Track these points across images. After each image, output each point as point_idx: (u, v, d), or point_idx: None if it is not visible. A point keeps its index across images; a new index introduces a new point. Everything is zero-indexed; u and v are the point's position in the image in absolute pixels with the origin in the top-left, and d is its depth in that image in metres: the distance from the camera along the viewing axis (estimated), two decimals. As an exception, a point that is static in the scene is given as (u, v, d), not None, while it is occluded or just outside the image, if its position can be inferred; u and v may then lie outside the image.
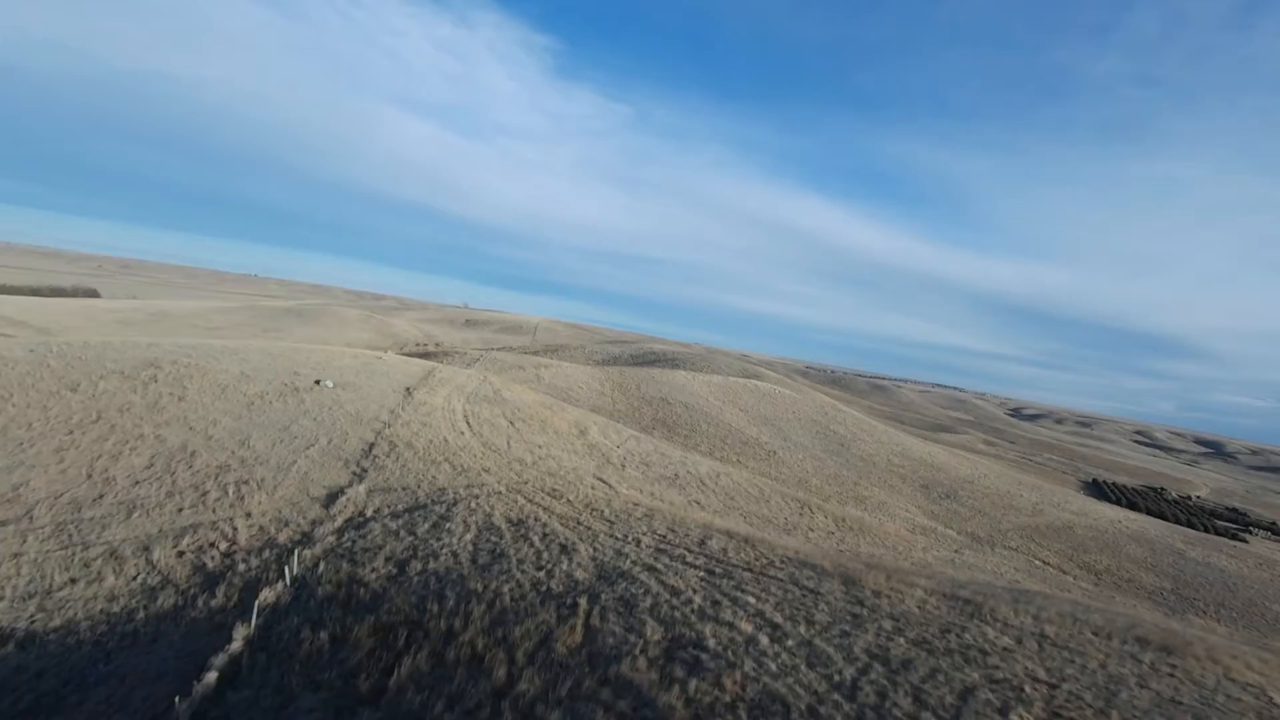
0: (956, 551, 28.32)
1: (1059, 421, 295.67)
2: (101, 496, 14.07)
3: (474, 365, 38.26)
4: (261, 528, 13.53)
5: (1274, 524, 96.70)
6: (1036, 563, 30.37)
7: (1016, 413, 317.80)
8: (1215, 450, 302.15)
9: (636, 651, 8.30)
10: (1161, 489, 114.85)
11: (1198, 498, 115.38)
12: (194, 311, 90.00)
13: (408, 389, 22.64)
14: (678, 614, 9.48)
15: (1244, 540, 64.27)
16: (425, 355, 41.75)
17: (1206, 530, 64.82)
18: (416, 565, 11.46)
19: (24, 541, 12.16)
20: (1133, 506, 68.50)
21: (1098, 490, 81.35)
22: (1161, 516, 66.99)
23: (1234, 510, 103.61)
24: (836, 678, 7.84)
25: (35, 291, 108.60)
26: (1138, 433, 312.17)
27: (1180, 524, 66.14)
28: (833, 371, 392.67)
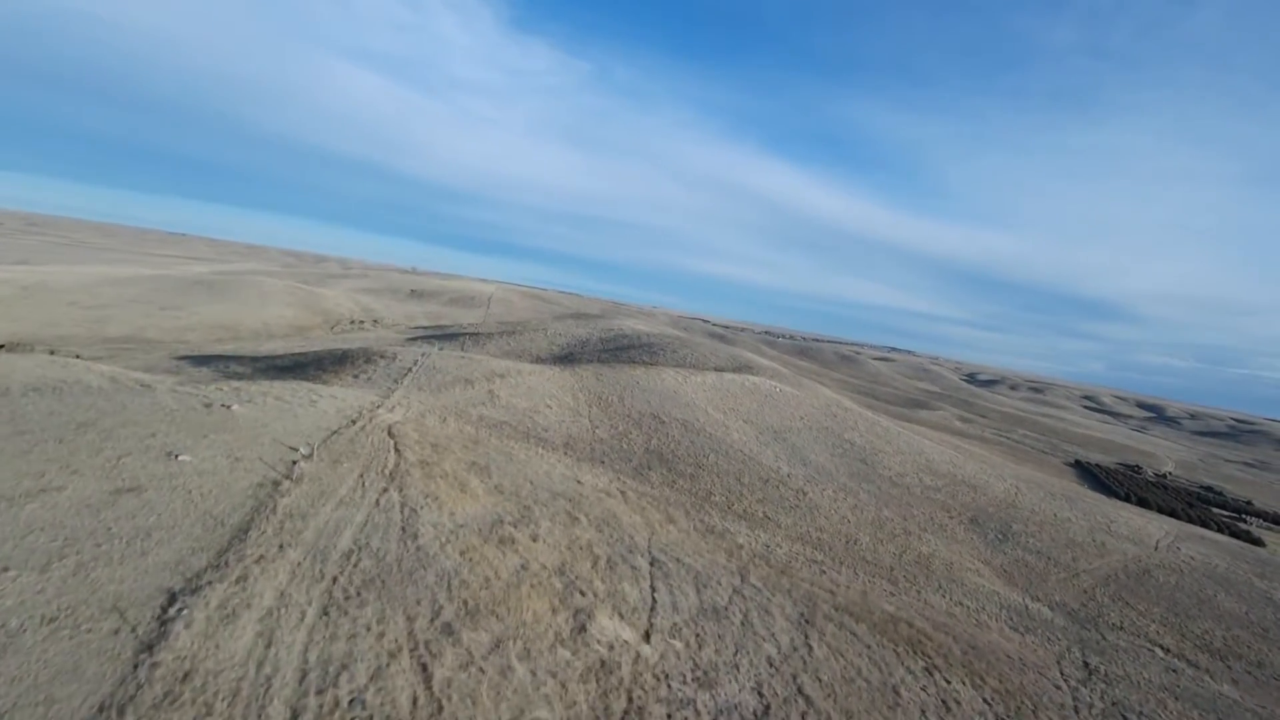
0: (1070, 654, 20.71)
1: (1013, 388, 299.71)
2: None
3: (405, 381, 28.13)
4: None
5: (1251, 504, 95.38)
6: (1159, 652, 23.10)
7: (972, 378, 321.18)
8: (1157, 414, 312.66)
9: None
10: (1137, 467, 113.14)
11: (1171, 475, 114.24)
12: (80, 283, 75.48)
13: (275, 483, 13.03)
14: None
15: (1261, 543, 60.35)
16: (340, 365, 31.43)
17: (1220, 530, 60.58)
18: None
19: None
20: (1143, 503, 63.74)
21: (1093, 479, 76.95)
22: (1172, 514, 62.48)
23: (1212, 491, 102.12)
24: None
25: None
26: (1086, 398, 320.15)
27: (1190, 521, 61.79)
28: (793, 338, 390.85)
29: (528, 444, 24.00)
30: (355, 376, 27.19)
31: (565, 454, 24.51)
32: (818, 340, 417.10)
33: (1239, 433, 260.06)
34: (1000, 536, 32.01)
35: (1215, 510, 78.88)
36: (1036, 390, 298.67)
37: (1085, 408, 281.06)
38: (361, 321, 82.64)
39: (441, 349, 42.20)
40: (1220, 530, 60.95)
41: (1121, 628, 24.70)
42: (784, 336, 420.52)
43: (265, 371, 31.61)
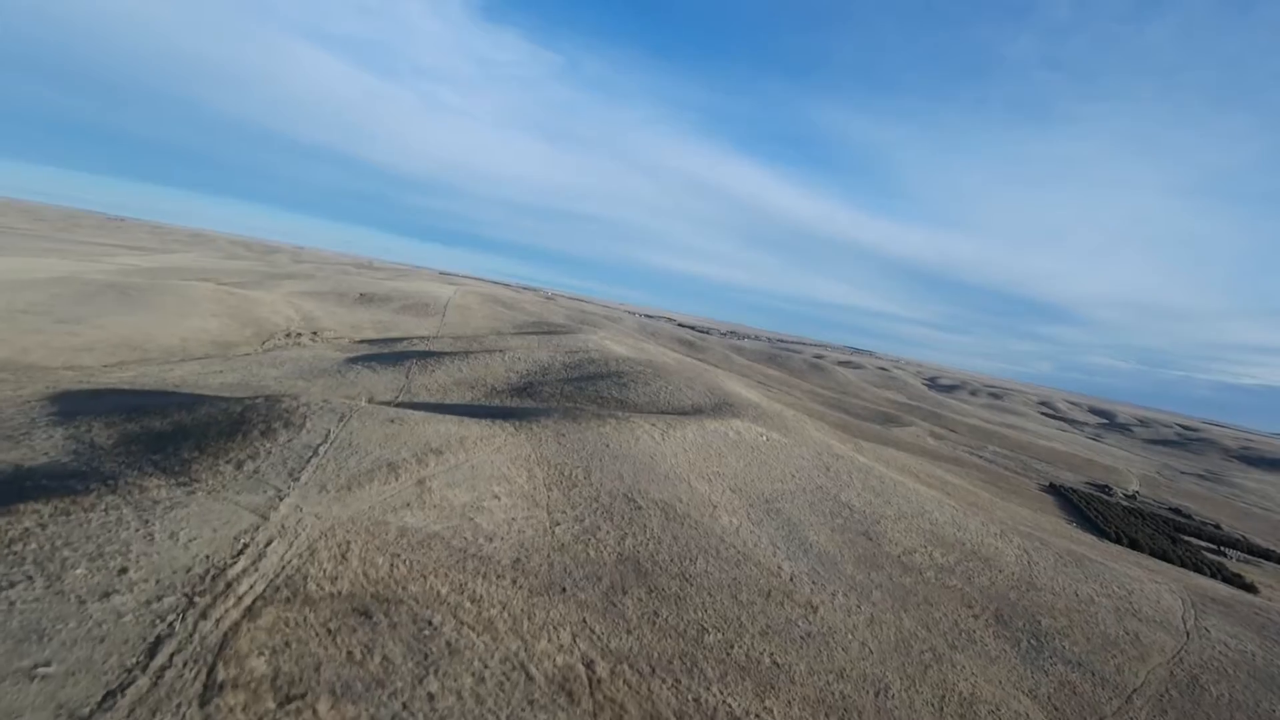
0: None
1: (973, 393, 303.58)
2: None
3: (306, 471, 21.49)
4: None
5: (1220, 528, 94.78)
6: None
7: (933, 383, 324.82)
8: (1109, 421, 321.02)
9: None
10: (1107, 488, 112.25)
11: (1139, 495, 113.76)
12: (-36, 284, 65.45)
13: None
14: None
15: (1255, 589, 57.91)
16: (228, 439, 24.71)
17: (1214, 575, 57.95)
18: None
19: None
20: (1134, 545, 60.79)
21: (1077, 513, 74.18)
22: (1165, 557, 59.66)
23: (1181, 514, 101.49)
24: None
25: None
26: (1041, 403, 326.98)
27: (1184, 565, 59.09)
28: (759, 338, 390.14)
29: (463, 573, 17.85)
30: (239, 467, 20.53)
31: (514, 584, 18.42)
32: (784, 342, 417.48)
33: (1187, 441, 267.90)
34: (1034, 643, 27.16)
35: (1194, 541, 77.10)
36: (995, 396, 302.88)
37: (1042, 414, 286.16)
38: (299, 334, 74.36)
39: (370, 403, 35.54)
40: (1214, 575, 58.31)
41: (1208, 796, 19.95)
42: (751, 337, 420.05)
43: (135, 441, 24.53)
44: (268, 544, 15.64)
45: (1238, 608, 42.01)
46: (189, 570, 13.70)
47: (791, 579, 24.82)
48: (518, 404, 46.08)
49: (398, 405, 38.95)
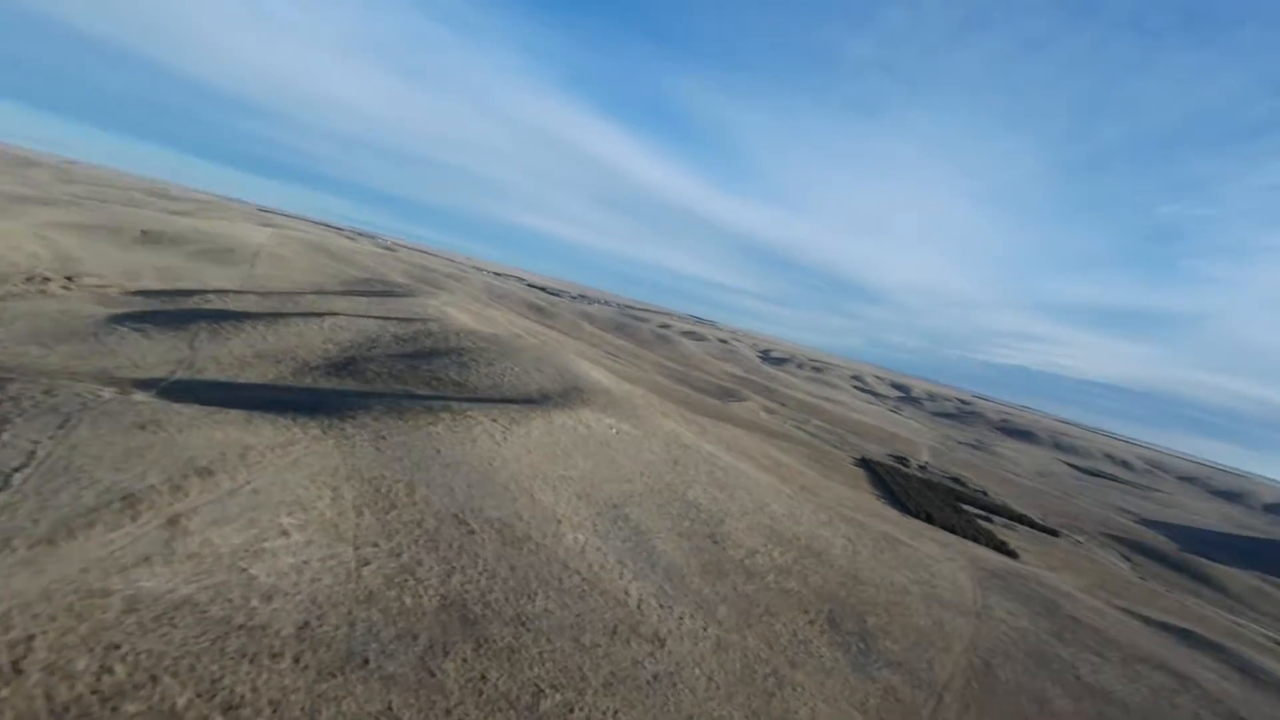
0: None
1: (799, 366, 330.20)
2: None
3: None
4: None
5: (986, 494, 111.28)
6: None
7: (766, 355, 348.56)
8: (905, 394, 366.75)
9: None
10: (905, 459, 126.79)
11: (929, 465, 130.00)
12: None
13: None
14: None
15: (1016, 555, 67.77)
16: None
17: (987, 544, 66.81)
18: None
19: None
20: (930, 519, 68.38)
21: (885, 488, 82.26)
22: (952, 529, 67.70)
23: (959, 483, 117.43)
24: None
25: None
26: (854, 377, 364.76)
27: (965, 535, 67.47)
28: (609, 303, 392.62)
29: (220, 661, 13.39)
30: None
31: (296, 665, 14.31)
32: (632, 309, 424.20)
33: (963, 413, 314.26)
34: (862, 647, 28.09)
35: (970, 510, 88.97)
36: (818, 370, 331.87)
37: (855, 388, 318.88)
38: (47, 280, 59.11)
39: (119, 394, 28.30)
40: (987, 544, 67.06)
41: (1007, 798, 21.42)
42: (601, 302, 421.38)
43: None
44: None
45: (1010, 580, 48.16)
46: None
47: (639, 605, 22.96)
48: (335, 385, 39.67)
49: (164, 390, 31.24)
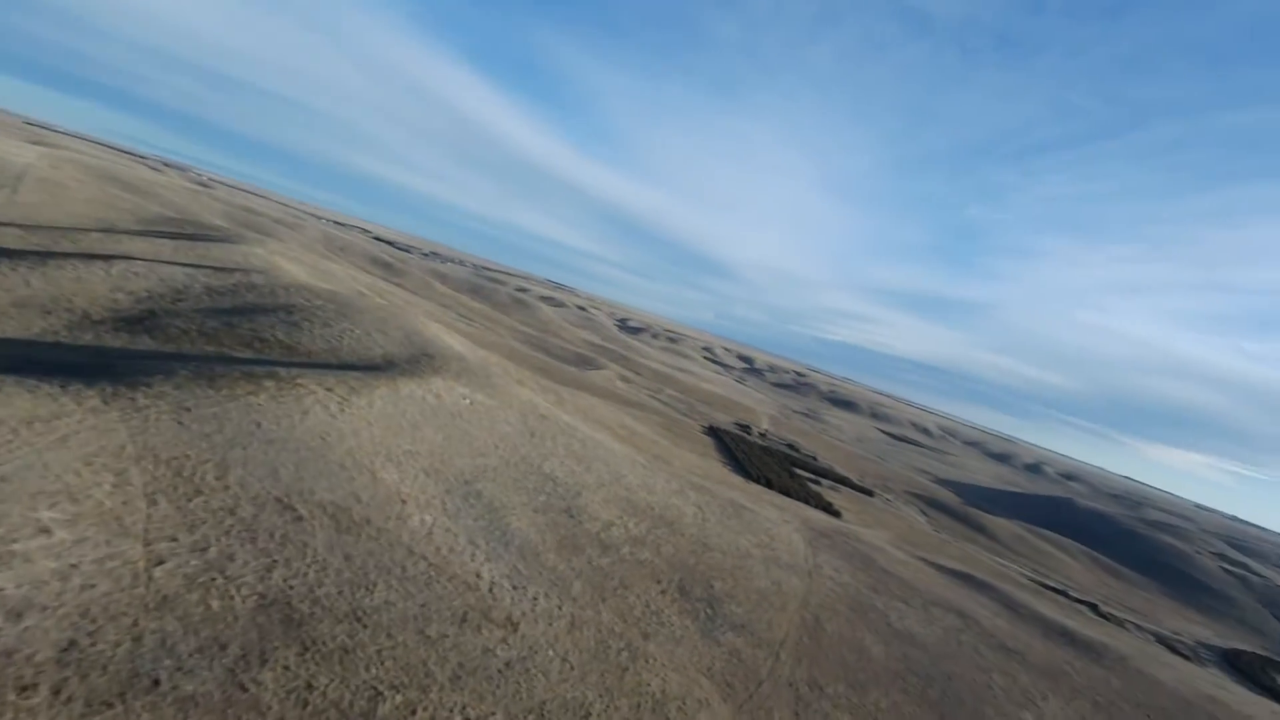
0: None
1: (655, 336, 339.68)
2: None
3: None
4: None
5: (816, 459, 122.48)
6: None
7: (624, 324, 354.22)
8: (750, 365, 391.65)
9: None
10: (747, 427, 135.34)
11: (768, 433, 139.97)
12: None
13: None
14: None
15: (839, 514, 75.11)
16: None
17: (817, 505, 73.36)
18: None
19: None
20: (769, 484, 73.52)
21: (729, 454, 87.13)
22: (787, 492, 73.40)
23: (793, 448, 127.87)
24: None
25: None
26: (705, 349, 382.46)
27: (798, 498, 73.55)
28: (464, 263, 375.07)
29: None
30: None
31: (57, 698, 11.54)
32: (489, 270, 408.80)
33: (799, 385, 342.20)
34: (709, 612, 29.29)
35: (802, 474, 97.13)
36: (672, 340, 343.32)
37: (705, 358, 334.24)
38: None
39: None
40: (817, 506, 73.54)
41: (832, 743, 23.46)
42: (455, 261, 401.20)
43: None
44: None
45: (835, 539, 53.17)
46: None
47: (491, 589, 21.83)
48: (125, 344, 33.36)
49: None
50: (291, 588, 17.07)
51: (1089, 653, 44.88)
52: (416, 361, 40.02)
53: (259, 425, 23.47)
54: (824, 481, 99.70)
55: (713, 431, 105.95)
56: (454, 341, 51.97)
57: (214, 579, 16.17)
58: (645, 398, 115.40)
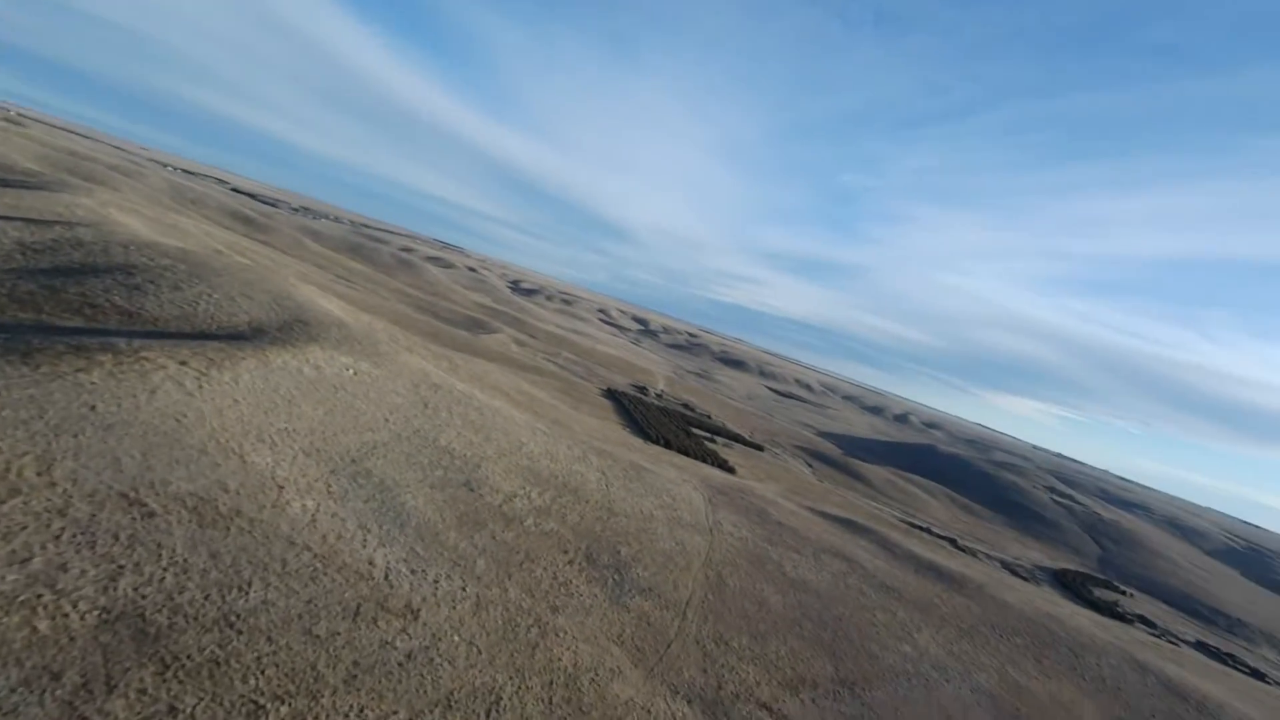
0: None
1: (549, 298, 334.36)
2: None
3: None
4: None
5: (710, 417, 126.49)
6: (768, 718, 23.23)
7: (517, 286, 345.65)
8: (645, 327, 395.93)
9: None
10: (644, 388, 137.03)
11: (664, 393, 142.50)
12: None
13: None
14: None
15: (733, 470, 78.04)
16: None
17: (713, 464, 75.76)
18: None
19: None
20: (668, 445, 74.84)
21: (629, 417, 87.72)
22: (685, 452, 75.17)
23: (689, 408, 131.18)
24: None
25: None
26: (600, 310, 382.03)
27: (696, 457, 75.62)
28: (339, 219, 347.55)
29: None
30: None
31: None
32: (369, 228, 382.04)
33: (691, 345, 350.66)
34: (617, 578, 29.18)
35: (697, 432, 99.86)
36: (567, 302, 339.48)
37: (601, 320, 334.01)
38: None
39: None
40: (713, 463, 75.92)
41: (739, 696, 24.27)
42: (330, 217, 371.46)
43: None
44: None
45: (732, 495, 55.08)
46: None
47: (387, 576, 20.22)
48: (-96, 311, 27.37)
49: None
50: (144, 597, 14.71)
51: (952, 584, 49.89)
52: (289, 329, 36.13)
53: (93, 408, 19.96)
54: (719, 439, 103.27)
55: (611, 394, 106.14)
56: (332, 306, 47.62)
57: (39, 596, 13.55)
58: (542, 361, 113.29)
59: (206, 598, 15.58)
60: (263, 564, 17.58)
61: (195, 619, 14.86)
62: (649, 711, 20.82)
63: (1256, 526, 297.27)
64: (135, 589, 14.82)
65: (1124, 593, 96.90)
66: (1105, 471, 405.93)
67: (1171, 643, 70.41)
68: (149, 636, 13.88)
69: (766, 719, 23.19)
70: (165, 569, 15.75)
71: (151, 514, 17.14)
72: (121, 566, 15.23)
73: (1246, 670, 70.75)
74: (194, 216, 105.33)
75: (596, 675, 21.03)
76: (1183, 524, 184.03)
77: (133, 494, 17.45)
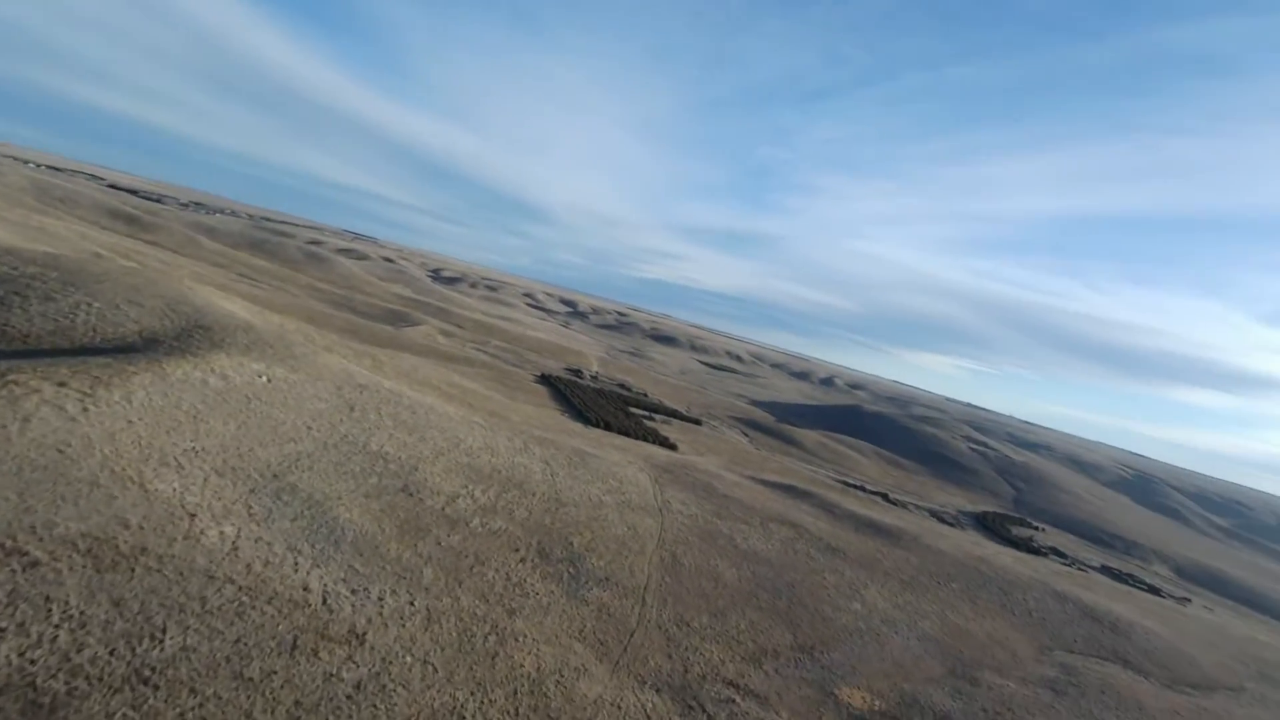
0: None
1: (473, 285, 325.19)
2: None
3: None
4: None
5: (647, 395, 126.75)
6: (739, 699, 23.15)
7: (437, 275, 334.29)
8: (573, 309, 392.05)
9: None
10: (579, 371, 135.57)
11: (599, 375, 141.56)
12: None
13: None
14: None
15: (675, 446, 78.33)
16: None
17: (658, 443, 75.75)
18: None
19: None
20: (608, 427, 74.17)
21: (567, 403, 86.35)
22: (626, 432, 74.74)
23: (625, 388, 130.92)
24: None
25: None
26: (526, 295, 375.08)
27: (637, 437, 75.40)
28: (236, 213, 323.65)
29: None
30: None
31: None
32: (270, 221, 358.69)
33: (621, 324, 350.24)
34: (572, 572, 28.31)
35: (636, 411, 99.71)
36: (491, 289, 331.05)
37: (527, 305, 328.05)
38: None
39: None
40: (654, 441, 75.94)
41: (706, 677, 24.08)
42: (225, 212, 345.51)
43: None
44: None
45: (677, 472, 55.11)
46: None
47: (325, 600, 18.55)
48: None
49: None
50: (32, 662, 12.64)
51: (890, 538, 52.01)
52: (188, 336, 32.74)
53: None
54: (657, 417, 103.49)
55: (546, 379, 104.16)
56: (236, 307, 43.72)
57: (-105, 678, 11.32)
58: (471, 351, 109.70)
59: (112, 653, 13.60)
60: (178, 605, 15.61)
61: (100, 680, 12.93)
62: (619, 707, 20.24)
63: (1143, 456, 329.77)
64: (19, 655, 12.70)
65: (1037, 528, 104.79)
66: (1010, 417, 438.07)
67: (1081, 570, 76.64)
68: (44, 709, 11.92)
69: (735, 696, 23.11)
70: (57, 626, 13.63)
71: (35, 563, 14.81)
72: (1, 629, 13.03)
73: (1145, 588, 78.12)
74: (65, 218, 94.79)
75: (562, 677, 20.22)
76: (1081, 459, 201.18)
77: (9, 542, 15.03)
